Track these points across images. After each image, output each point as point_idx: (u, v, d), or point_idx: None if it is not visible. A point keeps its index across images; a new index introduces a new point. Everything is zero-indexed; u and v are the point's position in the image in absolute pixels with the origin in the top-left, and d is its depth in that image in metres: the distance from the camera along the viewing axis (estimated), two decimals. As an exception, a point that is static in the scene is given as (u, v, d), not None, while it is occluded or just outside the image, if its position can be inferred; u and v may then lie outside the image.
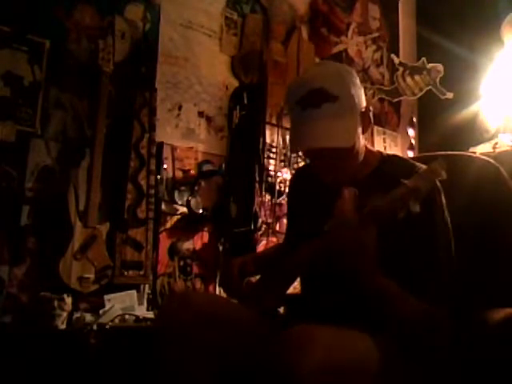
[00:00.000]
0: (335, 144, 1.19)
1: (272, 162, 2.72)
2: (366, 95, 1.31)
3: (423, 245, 1.16)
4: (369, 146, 1.34)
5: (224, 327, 1.22)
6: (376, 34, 3.45)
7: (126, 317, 1.99)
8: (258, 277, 1.43)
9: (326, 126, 1.19)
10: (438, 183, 1.16)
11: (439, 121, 3.11)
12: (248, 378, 1.20)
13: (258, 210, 2.58)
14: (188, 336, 1.18)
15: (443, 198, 1.21)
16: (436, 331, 1.14)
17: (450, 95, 2.98)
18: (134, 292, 2.14)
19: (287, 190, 2.63)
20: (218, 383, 1.22)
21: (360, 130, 1.25)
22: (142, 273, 2.20)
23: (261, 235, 2.62)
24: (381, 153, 1.36)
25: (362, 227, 1.06)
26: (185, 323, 1.18)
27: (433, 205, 1.17)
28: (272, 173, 2.70)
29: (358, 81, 1.27)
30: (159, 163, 2.34)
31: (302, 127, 1.22)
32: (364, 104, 1.27)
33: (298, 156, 2.78)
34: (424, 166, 1.18)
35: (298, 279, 1.36)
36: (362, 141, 1.28)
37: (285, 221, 2.71)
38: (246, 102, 2.64)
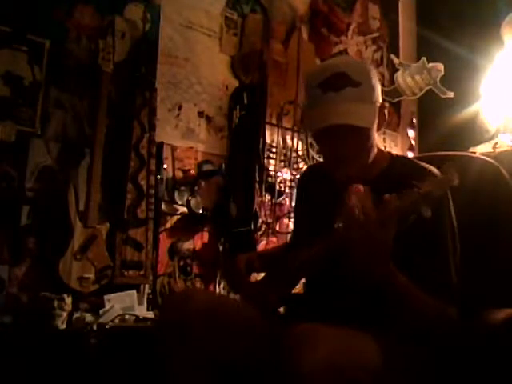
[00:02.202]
0: (356, 122, 1.19)
1: (272, 161, 2.72)
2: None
3: (434, 248, 1.16)
4: (380, 147, 1.34)
5: (224, 324, 1.22)
6: (376, 34, 3.45)
7: (126, 317, 1.99)
8: (262, 274, 1.43)
9: (347, 107, 1.19)
10: None
11: (439, 121, 3.11)
12: (248, 376, 1.21)
13: (257, 209, 2.58)
14: (188, 333, 1.18)
15: (451, 201, 1.21)
16: (447, 330, 1.15)
17: (450, 94, 2.98)
18: (134, 292, 2.14)
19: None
20: (218, 380, 1.22)
21: (376, 122, 1.25)
22: (142, 273, 2.20)
23: (261, 235, 2.62)
24: (390, 153, 1.36)
25: (380, 224, 1.02)
26: (185, 320, 1.18)
27: (443, 209, 1.18)
28: (272, 173, 2.70)
29: (376, 77, 1.29)
30: (159, 163, 2.34)
31: (321, 108, 1.21)
32: (380, 100, 1.28)
33: (298, 156, 2.78)
34: (435, 170, 1.18)
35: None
36: (376, 137, 1.28)
37: (285, 221, 2.73)
38: (245, 102, 2.64)
